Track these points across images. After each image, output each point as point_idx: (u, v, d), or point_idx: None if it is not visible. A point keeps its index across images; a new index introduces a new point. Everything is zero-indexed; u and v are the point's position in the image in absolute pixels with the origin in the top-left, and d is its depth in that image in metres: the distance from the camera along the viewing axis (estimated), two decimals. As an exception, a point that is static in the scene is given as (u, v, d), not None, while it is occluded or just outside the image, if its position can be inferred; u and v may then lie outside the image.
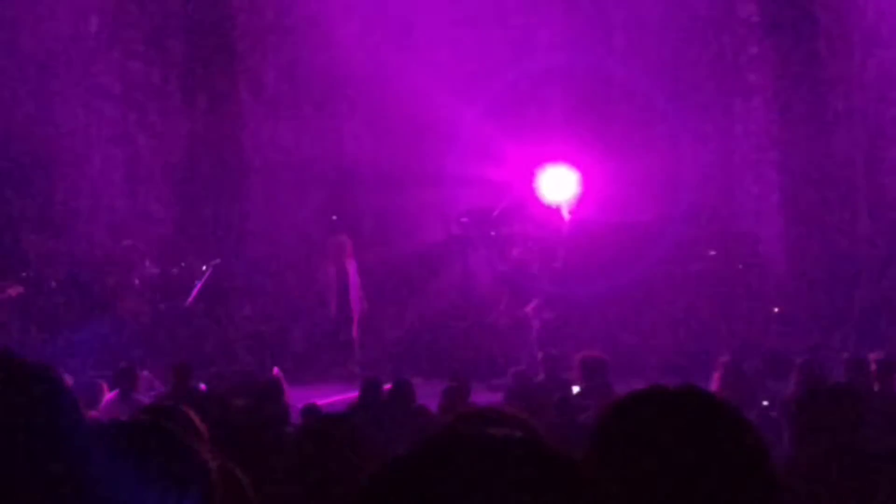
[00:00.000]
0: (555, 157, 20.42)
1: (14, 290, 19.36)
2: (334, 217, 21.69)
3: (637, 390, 2.43)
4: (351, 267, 19.76)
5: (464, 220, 20.97)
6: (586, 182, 20.38)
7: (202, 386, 15.00)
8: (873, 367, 13.06)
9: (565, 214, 20.32)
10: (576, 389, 13.86)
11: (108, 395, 13.77)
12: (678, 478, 2.19)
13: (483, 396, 14.20)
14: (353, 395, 14.08)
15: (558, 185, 20.44)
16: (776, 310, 19.91)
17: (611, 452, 2.25)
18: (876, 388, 12.07)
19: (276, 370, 17.21)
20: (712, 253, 20.35)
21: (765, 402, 12.78)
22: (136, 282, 20.15)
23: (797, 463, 5.37)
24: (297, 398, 15.00)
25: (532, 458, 1.55)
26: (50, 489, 2.62)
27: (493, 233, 20.72)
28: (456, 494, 1.53)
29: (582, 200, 20.42)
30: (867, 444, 5.62)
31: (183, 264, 20.34)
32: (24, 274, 19.90)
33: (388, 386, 13.25)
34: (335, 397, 16.15)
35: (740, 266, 20.38)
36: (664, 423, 2.26)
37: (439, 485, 1.55)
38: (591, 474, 1.60)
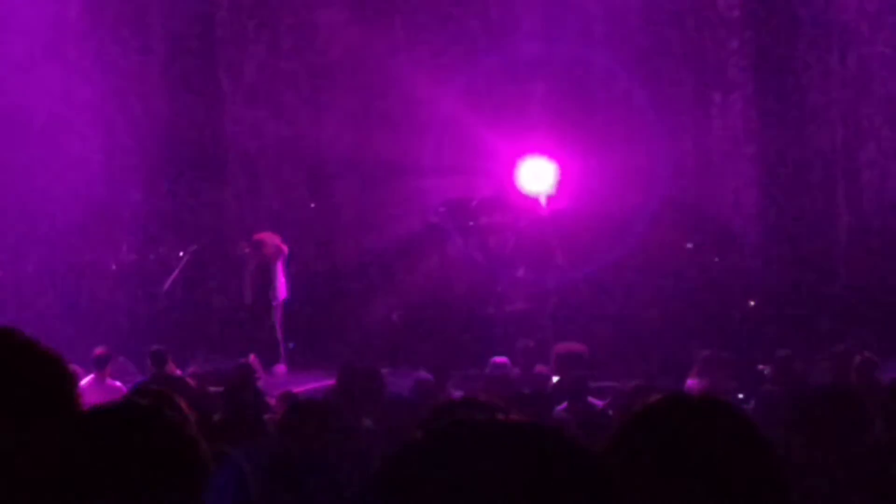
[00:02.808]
0: (534, 148, 20.44)
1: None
2: (312, 205, 21.64)
3: (659, 399, 2.40)
4: (275, 263, 18.97)
5: (441, 209, 20.94)
6: (564, 173, 20.40)
7: (178, 372, 15.00)
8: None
9: (543, 205, 20.34)
10: (555, 379, 13.91)
11: (84, 380, 13.74)
12: (698, 487, 2.18)
13: (460, 387, 14.17)
14: (329, 382, 14.04)
15: (537, 175, 20.45)
16: (752, 303, 19.96)
17: (631, 461, 2.23)
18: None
19: (251, 357, 17.22)
20: (689, 246, 20.40)
21: (740, 395, 12.81)
22: (113, 267, 20.12)
23: (803, 464, 5.34)
24: (272, 385, 15.01)
25: (549, 446, 1.56)
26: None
27: (471, 223, 20.72)
28: (473, 479, 1.54)
29: (560, 191, 20.43)
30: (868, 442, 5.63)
31: (161, 250, 20.30)
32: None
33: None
34: (311, 384, 16.13)
35: (716, 259, 20.44)
36: (687, 435, 2.24)
37: (455, 470, 1.55)
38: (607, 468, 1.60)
